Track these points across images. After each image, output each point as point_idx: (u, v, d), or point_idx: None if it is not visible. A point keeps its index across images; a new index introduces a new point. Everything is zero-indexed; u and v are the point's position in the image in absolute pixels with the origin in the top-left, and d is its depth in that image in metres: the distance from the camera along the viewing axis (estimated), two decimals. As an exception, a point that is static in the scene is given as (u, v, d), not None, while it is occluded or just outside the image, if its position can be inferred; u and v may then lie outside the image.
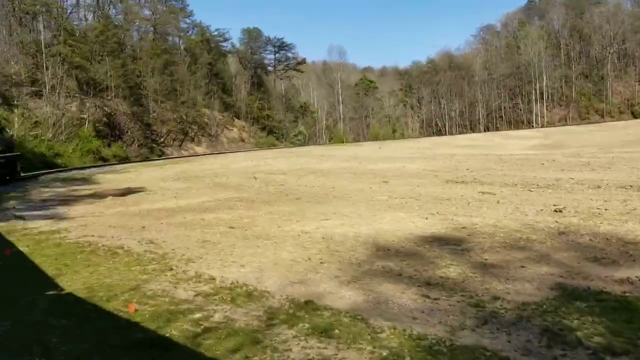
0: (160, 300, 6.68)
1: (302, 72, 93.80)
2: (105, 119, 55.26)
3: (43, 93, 49.29)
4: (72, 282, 7.81)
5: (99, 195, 22.00)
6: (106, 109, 55.47)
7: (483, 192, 17.23)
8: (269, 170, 32.11)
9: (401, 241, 9.71)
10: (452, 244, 9.33)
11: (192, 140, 67.09)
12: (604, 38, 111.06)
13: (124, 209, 16.86)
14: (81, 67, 51.76)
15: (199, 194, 20.12)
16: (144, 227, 13.01)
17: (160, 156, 59.10)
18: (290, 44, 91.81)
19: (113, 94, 55.68)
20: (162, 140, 62.81)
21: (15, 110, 46.99)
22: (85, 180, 31.59)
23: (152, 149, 59.34)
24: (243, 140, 74.92)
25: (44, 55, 50.36)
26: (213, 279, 7.64)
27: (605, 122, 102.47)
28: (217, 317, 5.89)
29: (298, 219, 13.25)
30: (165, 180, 29.26)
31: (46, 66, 50.27)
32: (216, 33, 79.41)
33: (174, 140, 64.26)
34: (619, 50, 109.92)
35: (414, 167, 29.79)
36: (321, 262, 8.28)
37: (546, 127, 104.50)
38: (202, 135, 68.94)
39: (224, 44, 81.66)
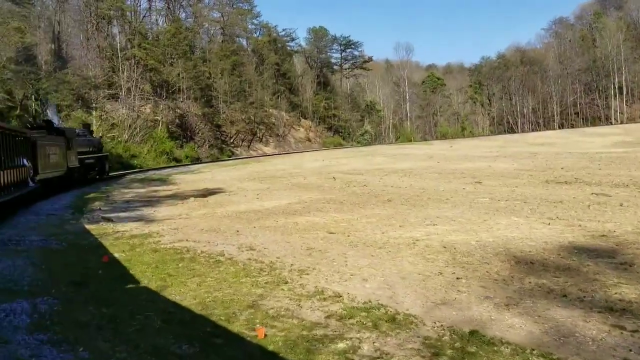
0: (288, 322, 5.79)
1: (369, 70, 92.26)
2: (177, 120, 56.11)
3: (119, 95, 50.50)
4: (182, 296, 7.07)
5: (179, 196, 21.71)
6: (178, 110, 56.31)
7: (596, 194, 15.57)
8: (345, 170, 31.16)
9: (540, 252, 8.45)
10: (604, 256, 7.99)
11: (260, 140, 67.22)
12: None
13: (209, 210, 16.32)
14: (155, 69, 52.69)
15: (281, 195, 19.40)
16: (237, 231, 12.32)
17: (230, 156, 59.45)
18: (357, 42, 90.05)
19: (185, 96, 56.43)
20: (231, 140, 63.21)
21: (94, 113, 48.33)
22: (163, 181, 31.69)
23: (222, 149, 59.77)
24: (310, 140, 74.47)
25: (119, 58, 51.63)
26: (339, 296, 6.69)
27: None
28: (366, 349, 4.91)
29: (400, 224, 12.18)
30: (241, 181, 28.87)
31: (122, 69, 51.51)
32: (283, 33, 79.71)
33: (242, 140, 64.56)
34: None
35: (502, 166, 28.04)
36: (457, 278, 7.18)
37: (625, 123, 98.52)
38: (270, 136, 68.97)
39: (290, 43, 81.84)
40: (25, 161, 17.67)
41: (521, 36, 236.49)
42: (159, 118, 53.78)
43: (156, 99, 54.20)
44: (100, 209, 18.23)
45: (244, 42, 74.75)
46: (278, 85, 71.95)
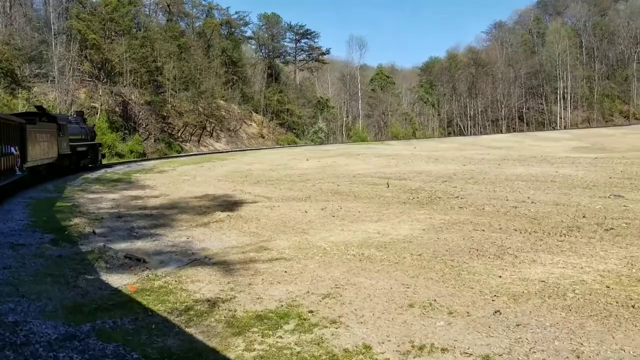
0: None
1: (325, 63, 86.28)
2: (118, 108, 47.69)
3: (52, 75, 41.65)
4: None
5: (191, 208, 15.03)
6: (120, 97, 47.87)
7: None
8: (363, 172, 25.25)
9: None
10: None
11: (211, 135, 59.71)
12: (628, 37, 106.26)
13: (296, 240, 9.96)
14: (96, 46, 43.99)
15: (367, 213, 13.24)
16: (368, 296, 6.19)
17: (179, 152, 51.70)
18: (314, 32, 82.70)
19: (129, 81, 48.11)
20: (179, 134, 55.33)
21: (19, 95, 39.35)
22: (129, 183, 24.48)
23: (170, 144, 51.81)
24: (263, 137, 67.66)
25: (52, 30, 42.58)
26: None
27: (630, 124, 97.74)
28: None
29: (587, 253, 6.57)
30: (238, 183, 22.28)
31: (54, 44, 42.60)
32: (236, 16, 71.69)
33: (191, 134, 56.81)
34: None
35: (569, 172, 23.17)
36: None
37: (569, 128, 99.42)
38: (221, 130, 61.55)
39: (244, 28, 73.91)
40: (13, 149, 16.72)
41: (462, 40, 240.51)
42: (97, 105, 45.31)
43: (95, 81, 45.64)
44: (94, 232, 11.32)
45: (191, 24, 66.46)
46: (229, 74, 64.51)
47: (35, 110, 26.54)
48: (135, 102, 49.55)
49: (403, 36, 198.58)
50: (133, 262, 8.39)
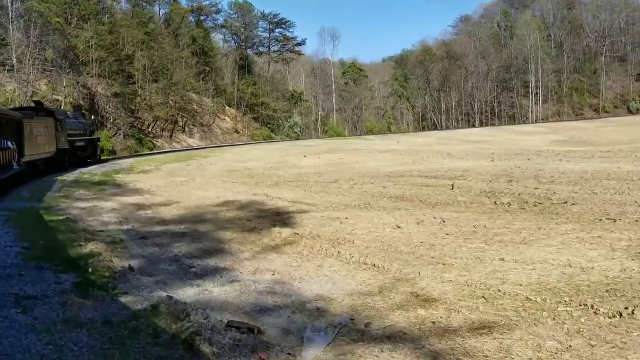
0: None
1: (301, 54, 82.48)
2: (84, 101, 42.96)
3: (9, 64, 36.73)
4: None
5: (238, 225, 11.55)
6: (85, 89, 43.14)
7: None
8: (395, 171, 22.10)
9: None
10: None
11: (183, 130, 55.38)
12: (595, 31, 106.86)
13: (400, 268, 6.72)
14: (59, 31, 39.16)
15: (461, 226, 10.08)
16: None
17: (151, 149, 47.36)
18: (289, 21, 77.90)
19: (95, 71, 43.38)
20: (150, 129, 50.83)
21: (-28, 86, 34.49)
22: (118, 186, 20.70)
23: (141, 140, 47.35)
24: (237, 132, 63.56)
25: (9, 14, 37.52)
26: None
27: (600, 118, 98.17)
28: None
29: None
30: (247, 185, 18.74)
31: (11, 29, 37.63)
32: (208, 2, 66.60)
33: (162, 130, 52.42)
34: (612, 43, 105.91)
35: (628, 167, 20.58)
36: None
37: (541, 122, 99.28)
38: (194, 125, 57.25)
39: (216, 15, 68.98)
40: (9, 143, 16.66)
41: (429, 34, 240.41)
42: (60, 97, 40.62)
43: (58, 71, 40.91)
44: (130, 268, 7.74)
45: (157, 10, 61.69)
46: (200, 65, 60.17)
47: (32, 105, 27.00)
48: (102, 94, 44.94)
49: (365, 30, 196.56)
50: (244, 334, 4.97)
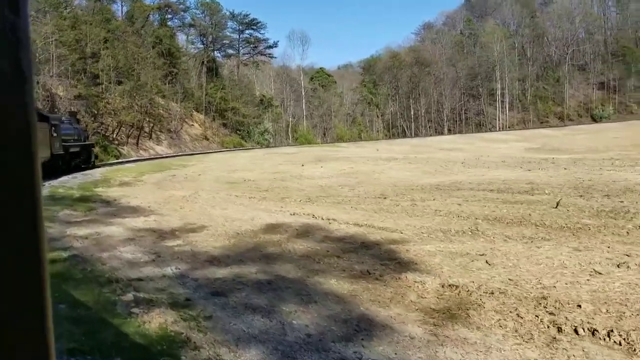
0: None
1: (273, 57, 78.65)
2: (42, 104, 38.20)
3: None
4: None
5: (337, 267, 8.19)
6: (43, 91, 38.38)
7: None
8: (436, 183, 19.09)
9: None
10: None
11: (150, 136, 50.90)
12: (558, 39, 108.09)
13: None
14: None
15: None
16: None
17: (117, 157, 42.92)
18: (260, 22, 73.55)
19: (55, 70, 38.67)
20: (114, 136, 46.24)
21: None
22: (107, 203, 17.00)
23: (106, 147, 42.81)
24: (207, 139, 59.26)
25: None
26: None
27: (566, 125, 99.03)
28: None
29: None
30: (273, 201, 15.37)
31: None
32: (175, 0, 61.50)
33: (127, 136, 47.89)
34: (574, 52, 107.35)
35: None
36: None
37: (508, 129, 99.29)
38: (161, 131, 52.82)
39: (184, 14, 64.13)
40: None
41: (392, 41, 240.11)
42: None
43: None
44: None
45: (119, 6, 56.96)
46: (167, 67, 55.85)
47: None
48: (63, 97, 40.27)
49: (329, 36, 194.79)
50: None
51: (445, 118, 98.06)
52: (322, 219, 12.72)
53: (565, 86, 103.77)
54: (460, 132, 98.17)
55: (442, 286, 6.68)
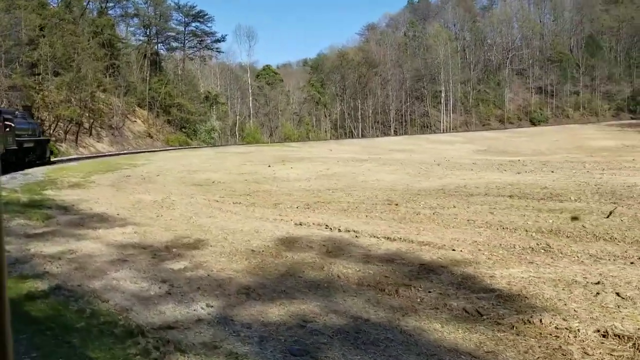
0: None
1: (220, 52, 74.94)
2: (-31, 94, 34.04)
3: None
4: None
5: (410, 298, 6.35)
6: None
7: None
8: (446, 188, 17.53)
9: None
10: None
11: (89, 133, 46.98)
12: (498, 45, 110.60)
13: None
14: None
15: None
16: None
17: (56, 155, 39.08)
18: (207, 15, 68.99)
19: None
20: (51, 132, 42.19)
21: None
22: (65, 209, 14.45)
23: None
24: (151, 136, 55.55)
25: None
26: None
27: (506, 128, 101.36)
28: None
29: None
30: (265, 207, 13.38)
31: None
32: None
33: (65, 132, 43.92)
34: (513, 57, 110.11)
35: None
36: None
37: (451, 132, 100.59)
38: (102, 128, 48.93)
39: (127, 3, 59.33)
40: None
41: (335, 41, 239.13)
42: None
43: None
44: None
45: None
46: (108, 59, 51.96)
47: None
48: (-6, 87, 36.22)
49: (275, 34, 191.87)
50: None
51: (391, 119, 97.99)
52: (340, 230, 10.88)
53: (506, 90, 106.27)
54: (405, 133, 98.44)
55: (603, 335, 4.99)
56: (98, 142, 47.89)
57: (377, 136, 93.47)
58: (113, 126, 51.12)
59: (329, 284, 7.13)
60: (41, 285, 6.97)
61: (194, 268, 8.12)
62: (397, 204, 13.63)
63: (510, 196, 14.26)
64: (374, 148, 62.97)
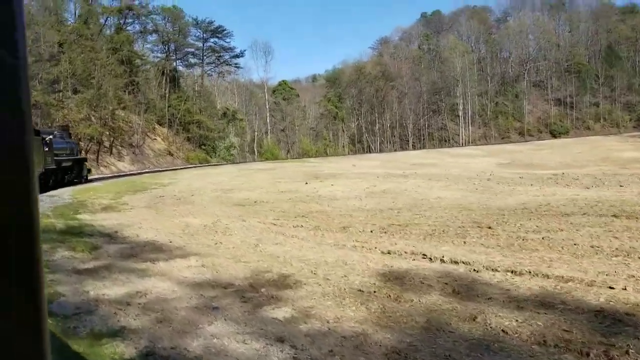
0: None
1: (239, 67, 73.71)
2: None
3: None
4: None
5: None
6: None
7: None
8: (523, 206, 15.81)
9: None
10: None
11: (110, 151, 45.72)
12: (516, 56, 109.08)
13: None
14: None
15: None
16: None
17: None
18: (225, 30, 67.65)
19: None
20: (71, 150, 40.89)
21: None
22: (112, 238, 12.93)
23: (63, 163, 37.53)
24: (171, 154, 54.29)
25: None
26: None
27: (527, 141, 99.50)
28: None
29: None
30: (361, 236, 11.69)
31: None
32: (137, 2, 55.92)
33: (86, 151, 42.67)
34: (530, 68, 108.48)
35: None
36: None
37: (471, 145, 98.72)
38: (122, 146, 47.72)
39: (146, 19, 58.15)
40: None
41: (349, 55, 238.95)
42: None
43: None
44: None
45: (72, 6, 51.43)
46: (128, 76, 50.86)
47: None
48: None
49: (288, 48, 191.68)
50: None
51: (409, 133, 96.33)
52: (445, 261, 9.21)
53: (524, 102, 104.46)
54: (423, 147, 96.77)
55: None
56: (119, 160, 46.60)
57: (396, 150, 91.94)
58: (133, 144, 49.87)
59: (499, 344, 5.44)
60: (126, 350, 5.35)
61: (303, 318, 6.48)
62: (490, 227, 11.92)
63: (614, 215, 12.51)
64: (397, 162, 61.63)
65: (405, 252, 10.07)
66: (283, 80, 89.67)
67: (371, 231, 12.46)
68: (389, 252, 10.20)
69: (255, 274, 8.85)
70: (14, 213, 0.43)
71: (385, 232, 12.23)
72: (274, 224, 14.33)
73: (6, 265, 0.43)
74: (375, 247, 10.63)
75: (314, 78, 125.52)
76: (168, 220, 15.82)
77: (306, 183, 26.76)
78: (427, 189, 21.63)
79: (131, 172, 42.16)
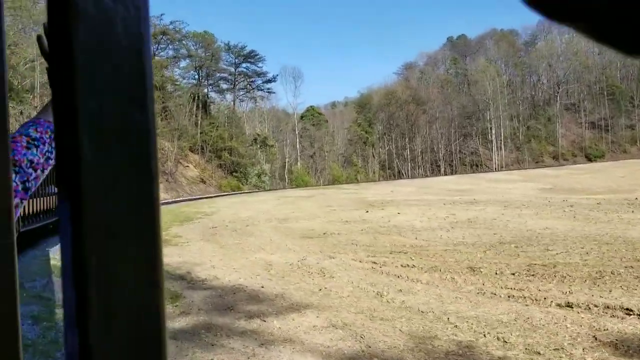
0: None
1: (272, 92, 72.19)
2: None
3: None
4: None
5: None
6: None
7: None
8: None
9: None
10: None
11: (143, 179, 43.97)
12: (549, 79, 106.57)
13: None
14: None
15: None
16: None
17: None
18: (258, 55, 67.21)
19: (38, 100, 31.95)
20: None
21: None
22: (219, 288, 10.47)
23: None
24: (204, 182, 52.46)
25: None
26: None
27: (562, 165, 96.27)
28: None
29: None
30: (490, 281, 9.28)
31: None
32: (172, 27, 54.36)
33: (119, 179, 40.96)
34: (562, 91, 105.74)
35: None
36: None
37: (504, 170, 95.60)
38: (155, 173, 46.03)
39: (178, 45, 56.66)
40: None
41: (373, 82, 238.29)
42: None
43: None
44: None
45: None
46: (160, 101, 49.39)
47: None
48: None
49: (314, 74, 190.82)
50: None
51: (440, 158, 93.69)
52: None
53: (557, 125, 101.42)
54: (455, 172, 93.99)
55: None
56: (151, 188, 44.75)
57: (427, 176, 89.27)
58: (167, 172, 48.10)
59: None
60: None
61: None
62: (609, 270, 9.40)
63: None
64: (433, 188, 59.08)
65: (594, 305, 7.61)
66: (311, 106, 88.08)
67: (513, 274, 9.99)
68: (569, 305, 7.75)
69: (419, 341, 6.48)
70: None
71: (533, 275, 9.75)
72: (375, 262, 11.94)
73: None
74: (545, 298, 8.18)
75: (333, 105, 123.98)
76: (241, 256, 13.53)
77: (367, 211, 24.37)
78: (517, 217, 19.10)
79: (166, 201, 40.23)
